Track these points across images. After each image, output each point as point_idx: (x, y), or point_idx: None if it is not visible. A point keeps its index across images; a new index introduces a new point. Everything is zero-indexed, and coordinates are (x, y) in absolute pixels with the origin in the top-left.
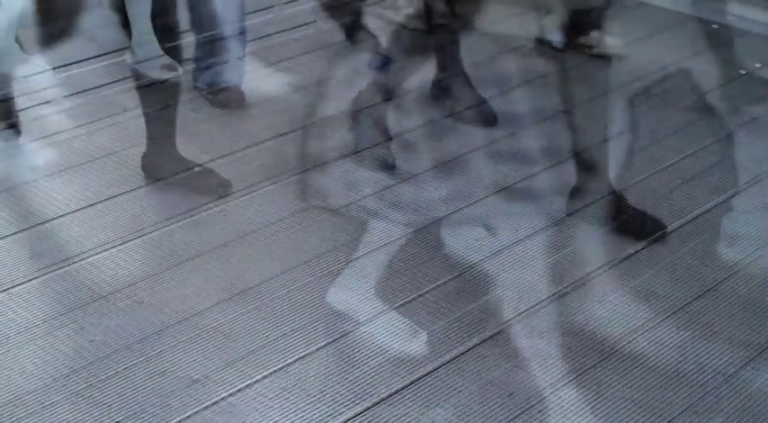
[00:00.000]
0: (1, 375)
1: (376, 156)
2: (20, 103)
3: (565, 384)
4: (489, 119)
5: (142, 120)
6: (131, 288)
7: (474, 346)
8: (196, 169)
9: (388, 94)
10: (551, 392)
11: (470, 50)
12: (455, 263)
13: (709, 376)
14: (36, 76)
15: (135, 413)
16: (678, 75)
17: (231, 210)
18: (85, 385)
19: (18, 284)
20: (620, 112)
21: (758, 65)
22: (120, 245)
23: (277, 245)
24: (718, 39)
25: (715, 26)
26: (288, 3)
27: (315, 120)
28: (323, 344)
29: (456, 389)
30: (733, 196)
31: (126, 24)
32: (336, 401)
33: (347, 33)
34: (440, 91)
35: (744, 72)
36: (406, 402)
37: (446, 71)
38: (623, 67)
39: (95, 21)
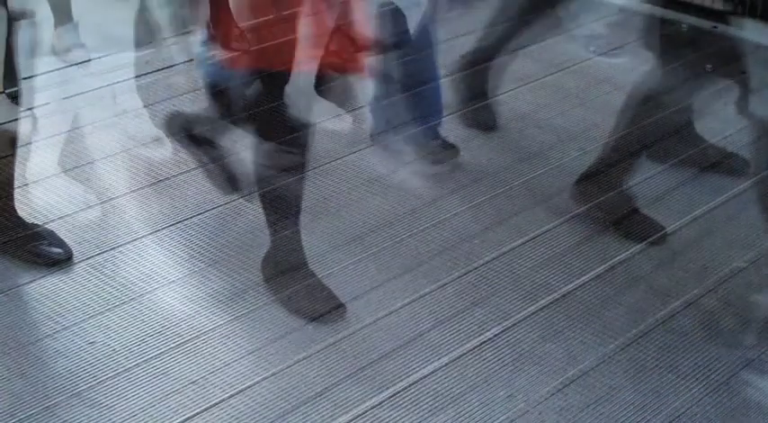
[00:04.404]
0: (1, 377)
1: None
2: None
3: (565, 386)
4: None
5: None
6: (131, 289)
7: (474, 348)
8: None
9: None
10: (551, 395)
11: None
12: (455, 264)
13: (710, 377)
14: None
15: (134, 414)
16: None
17: (229, 212)
18: (85, 387)
19: (20, 285)
20: None
21: None
22: (119, 246)
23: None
24: None
25: None
26: None
27: None
28: (322, 346)
29: (456, 390)
30: (733, 196)
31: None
32: (336, 403)
33: None
34: None
35: None
36: (406, 404)
37: None
38: None
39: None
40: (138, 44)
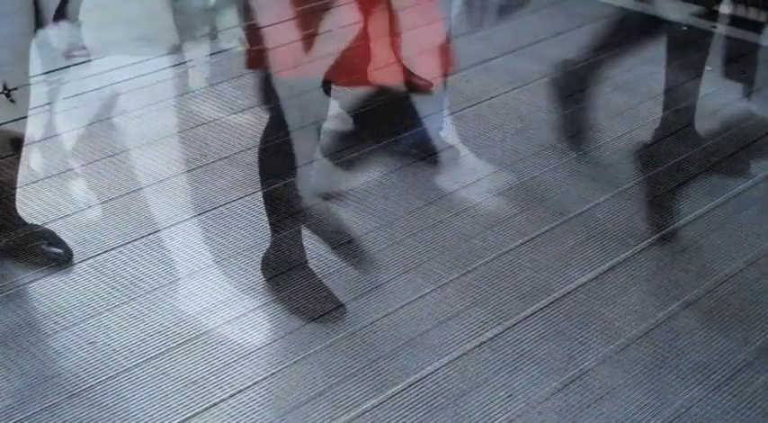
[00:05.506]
0: (1, 377)
1: None
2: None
3: (565, 386)
4: None
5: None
6: (131, 289)
7: (474, 348)
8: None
9: None
10: (551, 395)
11: None
12: (455, 264)
13: (710, 377)
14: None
15: (134, 414)
16: None
17: (229, 212)
18: (85, 387)
19: (20, 285)
20: None
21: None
22: (119, 246)
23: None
24: None
25: None
26: None
27: None
28: (322, 346)
29: (456, 390)
30: (733, 196)
31: None
32: (336, 403)
33: None
34: None
35: None
36: (406, 404)
37: None
38: None
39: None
40: (141, 43)
